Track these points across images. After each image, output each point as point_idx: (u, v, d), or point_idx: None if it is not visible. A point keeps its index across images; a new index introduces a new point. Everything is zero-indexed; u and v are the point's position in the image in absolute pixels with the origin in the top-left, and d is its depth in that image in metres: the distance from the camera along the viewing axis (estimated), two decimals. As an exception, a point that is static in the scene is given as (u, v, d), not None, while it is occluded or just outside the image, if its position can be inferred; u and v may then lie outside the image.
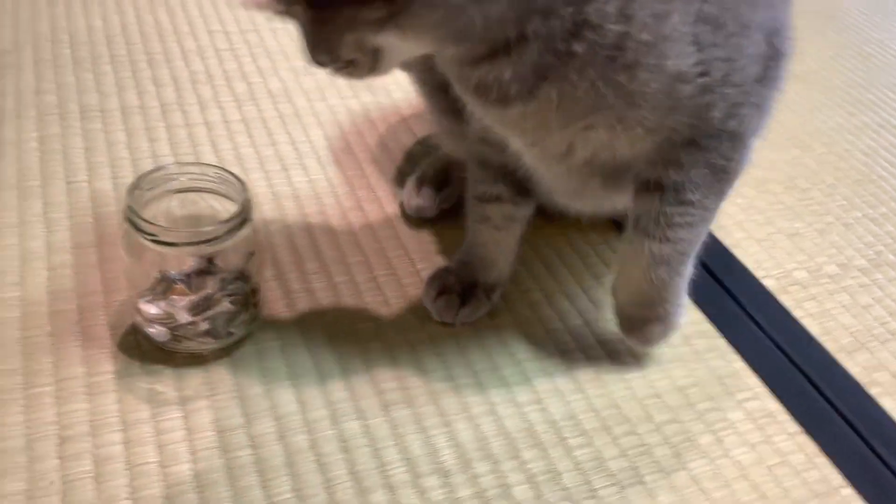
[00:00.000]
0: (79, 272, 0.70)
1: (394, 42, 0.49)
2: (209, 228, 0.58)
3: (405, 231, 0.79)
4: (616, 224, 0.81)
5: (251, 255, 0.63)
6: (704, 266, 0.81)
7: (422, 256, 0.76)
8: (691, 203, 0.59)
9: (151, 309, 0.62)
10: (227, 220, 0.59)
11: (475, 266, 0.71)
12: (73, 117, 0.87)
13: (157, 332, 0.63)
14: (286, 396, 0.62)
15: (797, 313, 0.77)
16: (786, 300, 0.78)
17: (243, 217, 0.60)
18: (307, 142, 0.89)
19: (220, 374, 0.63)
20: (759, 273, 0.81)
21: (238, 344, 0.65)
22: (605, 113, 0.52)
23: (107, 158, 0.82)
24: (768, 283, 0.80)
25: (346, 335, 0.68)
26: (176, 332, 0.62)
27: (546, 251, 0.79)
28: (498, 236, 0.71)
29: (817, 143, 1.02)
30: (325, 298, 0.71)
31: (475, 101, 0.54)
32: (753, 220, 0.88)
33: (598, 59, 0.49)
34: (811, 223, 0.89)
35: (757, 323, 0.75)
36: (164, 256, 0.60)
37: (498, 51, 0.50)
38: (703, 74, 0.52)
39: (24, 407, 0.59)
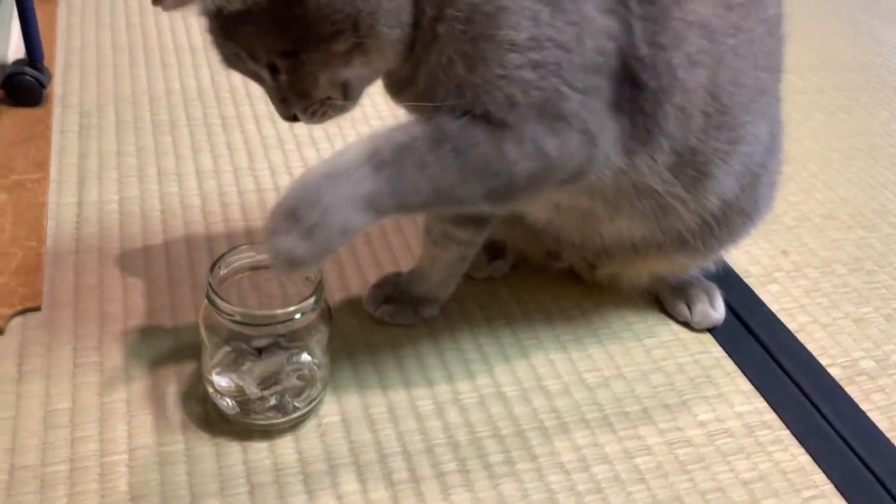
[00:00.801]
0: (152, 338, 0.72)
1: (359, 71, 0.58)
2: (283, 311, 0.60)
3: (470, 304, 0.80)
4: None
5: (319, 332, 0.65)
6: (767, 350, 0.80)
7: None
8: (426, 163, 0.56)
9: (222, 381, 0.64)
10: (301, 304, 0.61)
11: (412, 275, 0.76)
12: (151, 180, 0.91)
13: (227, 404, 0.64)
14: (347, 475, 0.63)
15: (865, 406, 0.75)
16: (853, 391, 0.77)
17: (316, 299, 0.62)
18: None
19: (285, 449, 0.64)
20: (824, 360, 0.80)
21: (302, 419, 0.66)
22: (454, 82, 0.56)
23: (182, 223, 0.86)
24: (834, 372, 0.78)
25: (406, 413, 0.69)
26: (245, 406, 0.64)
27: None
28: (434, 251, 0.74)
29: (884, 222, 1.00)
30: (388, 373, 0.72)
31: (388, 94, 0.64)
32: (818, 303, 0.87)
33: (454, 36, 0.55)
34: (878, 308, 0.87)
35: (823, 415, 0.74)
36: (238, 332, 0.62)
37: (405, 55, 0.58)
38: (534, 49, 0.55)
39: (99, 475, 0.61)
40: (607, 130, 0.60)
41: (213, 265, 0.64)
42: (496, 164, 0.57)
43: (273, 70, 0.58)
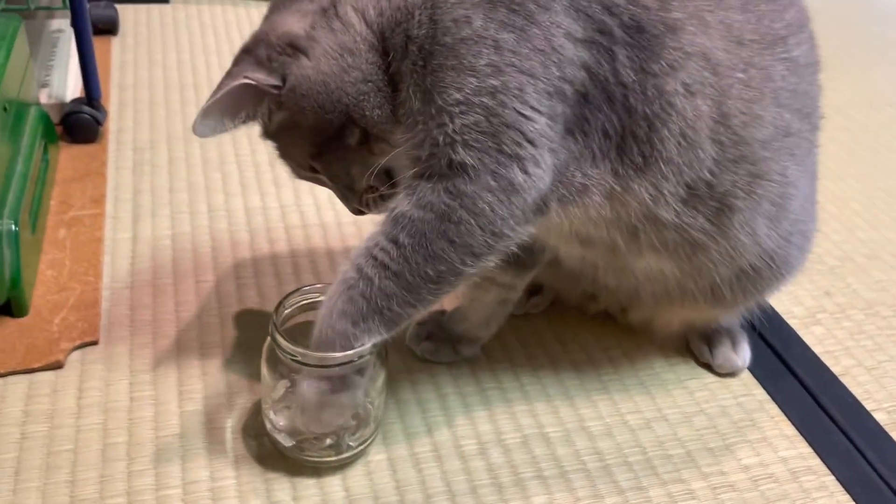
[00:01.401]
0: (205, 373, 0.74)
1: (388, 150, 0.61)
2: (342, 354, 0.62)
3: (511, 341, 0.81)
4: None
5: (375, 373, 0.67)
6: (811, 394, 0.80)
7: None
8: (403, 253, 0.58)
9: (280, 420, 0.66)
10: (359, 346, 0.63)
11: (454, 314, 0.78)
12: (202, 216, 0.94)
13: (284, 439, 0.66)
14: (395, 513, 0.64)
15: (912, 453, 0.75)
16: (899, 437, 0.76)
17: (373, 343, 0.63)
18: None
19: (333, 487, 0.66)
20: (869, 405, 0.79)
21: (353, 458, 0.68)
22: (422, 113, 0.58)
23: (231, 259, 0.88)
24: (880, 417, 0.78)
25: (450, 452, 0.70)
26: (301, 443, 0.66)
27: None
28: (474, 292, 0.75)
29: (929, 263, 0.99)
30: (432, 411, 0.73)
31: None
32: (863, 346, 0.87)
33: (416, 70, 0.57)
34: (924, 351, 0.86)
35: (868, 461, 0.73)
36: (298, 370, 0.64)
37: None
38: (492, 75, 0.55)
39: (155, 509, 0.63)
40: (571, 153, 0.60)
41: (279, 305, 0.66)
42: (456, 213, 0.57)
43: (316, 172, 0.64)
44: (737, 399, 0.78)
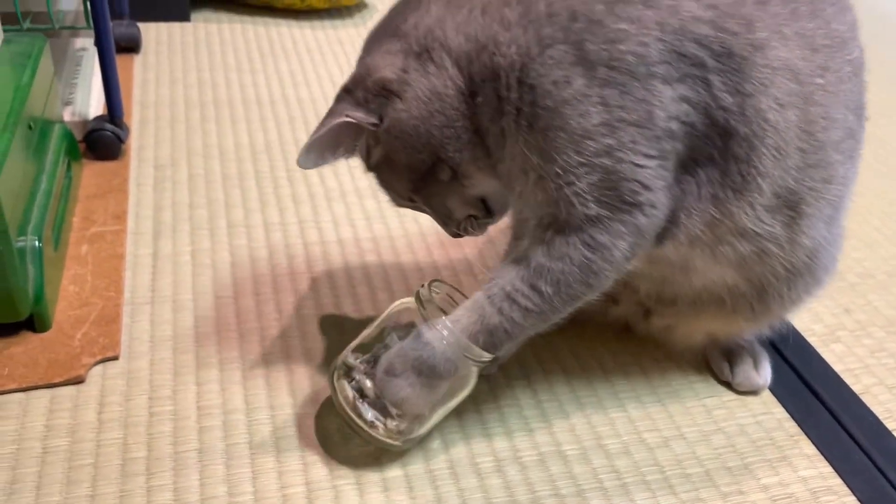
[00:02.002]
0: (224, 389, 0.75)
1: (481, 190, 0.66)
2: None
3: (528, 357, 0.81)
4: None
5: (465, 384, 0.70)
6: (831, 413, 0.79)
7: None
8: (539, 292, 0.63)
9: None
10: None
11: None
12: (221, 232, 0.95)
13: (365, 409, 0.67)
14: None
15: (935, 474, 0.73)
16: (922, 458, 0.75)
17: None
18: (431, 263, 0.94)
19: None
20: (890, 424, 0.78)
21: (403, 449, 0.68)
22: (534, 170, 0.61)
23: (250, 274, 0.89)
24: (902, 437, 0.77)
25: (467, 470, 0.70)
26: (378, 420, 0.67)
27: (666, 389, 0.79)
28: None
29: (951, 280, 0.98)
30: (448, 428, 0.73)
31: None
32: (884, 364, 0.86)
33: (522, 129, 0.59)
34: (947, 370, 0.85)
35: (890, 481, 0.72)
36: None
37: None
38: (607, 134, 0.58)
39: (174, 524, 0.63)
40: (684, 184, 0.63)
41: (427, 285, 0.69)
42: (595, 263, 0.62)
43: (415, 202, 0.68)
44: (756, 417, 0.78)
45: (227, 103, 1.20)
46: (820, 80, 0.62)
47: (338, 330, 0.83)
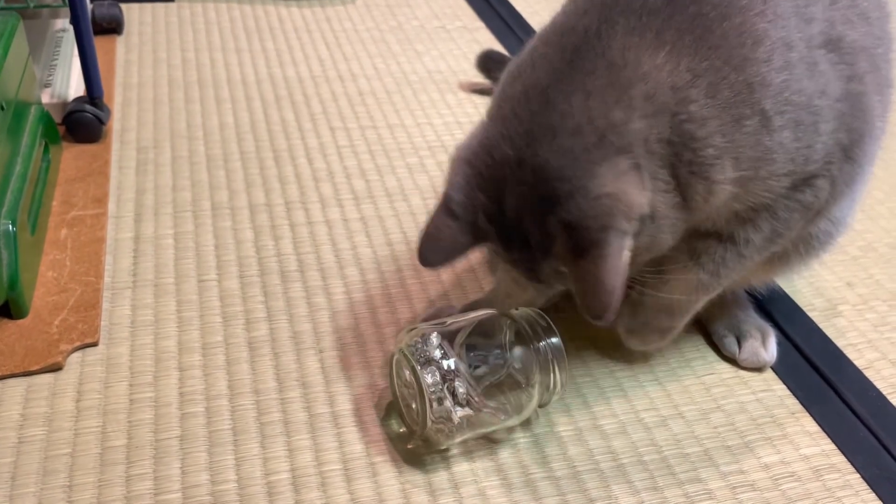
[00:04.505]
0: (208, 374, 0.73)
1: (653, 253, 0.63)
2: None
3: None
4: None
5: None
6: (834, 389, 0.77)
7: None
8: (744, 255, 0.66)
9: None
10: None
11: (477, 304, 0.78)
12: (205, 215, 0.92)
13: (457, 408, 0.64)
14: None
15: (941, 449, 0.71)
16: (927, 433, 0.73)
17: None
18: (422, 241, 0.91)
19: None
20: (894, 399, 0.76)
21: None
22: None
23: (235, 257, 0.87)
24: (906, 412, 0.75)
25: (469, 451, 0.68)
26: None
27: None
28: (511, 286, 0.76)
29: (956, 252, 0.96)
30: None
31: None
32: (887, 338, 0.83)
33: (693, 175, 0.57)
34: (952, 343, 0.83)
35: (895, 458, 0.70)
36: None
37: None
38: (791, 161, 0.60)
39: (154, 514, 0.61)
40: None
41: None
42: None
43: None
44: (756, 395, 0.75)
45: (212, 84, 1.17)
46: (880, 51, 0.64)
47: (326, 312, 0.80)
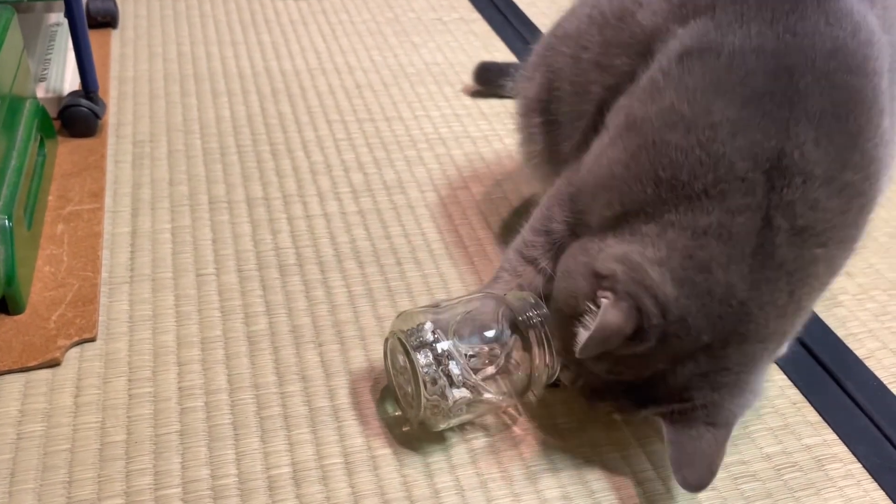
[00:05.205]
0: (207, 368, 0.72)
1: None
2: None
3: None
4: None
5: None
6: (835, 379, 0.77)
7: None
8: None
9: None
10: None
11: None
12: (202, 209, 0.92)
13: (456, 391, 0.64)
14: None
15: (942, 438, 0.71)
16: (928, 422, 0.73)
17: None
18: (420, 234, 0.91)
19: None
20: (895, 388, 0.76)
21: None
22: None
23: (233, 251, 0.86)
24: (907, 402, 0.75)
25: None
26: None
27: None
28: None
29: (955, 241, 0.96)
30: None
31: None
32: (887, 327, 0.83)
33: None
34: (952, 332, 0.83)
35: (895, 446, 0.70)
36: None
37: None
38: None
39: (154, 509, 0.61)
40: None
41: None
42: None
43: None
44: (757, 385, 0.75)
45: (208, 77, 1.17)
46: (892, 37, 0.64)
47: (325, 306, 0.80)
